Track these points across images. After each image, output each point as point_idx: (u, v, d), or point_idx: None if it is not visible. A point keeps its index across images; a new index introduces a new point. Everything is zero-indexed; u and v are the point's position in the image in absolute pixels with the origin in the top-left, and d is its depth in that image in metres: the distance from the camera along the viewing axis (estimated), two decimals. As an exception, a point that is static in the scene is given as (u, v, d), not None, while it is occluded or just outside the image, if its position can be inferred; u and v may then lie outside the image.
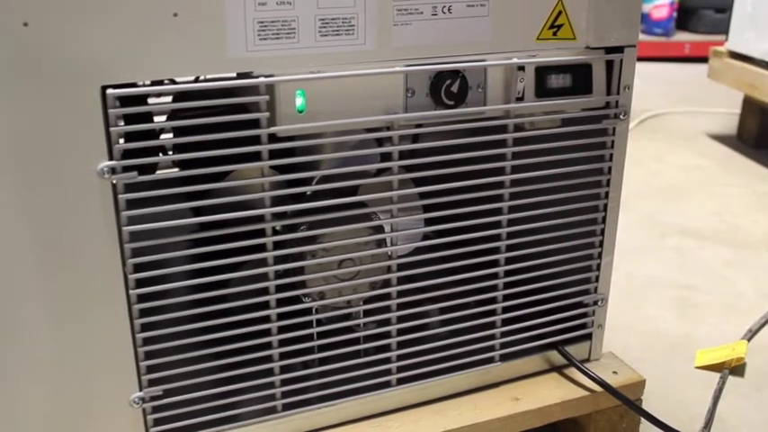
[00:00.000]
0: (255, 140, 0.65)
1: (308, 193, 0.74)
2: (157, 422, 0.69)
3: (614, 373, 0.86)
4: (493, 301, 0.80)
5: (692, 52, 3.21)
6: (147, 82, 0.64)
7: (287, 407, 0.74)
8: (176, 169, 0.82)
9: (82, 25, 0.57)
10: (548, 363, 0.86)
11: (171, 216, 0.64)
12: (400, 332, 0.77)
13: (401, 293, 0.76)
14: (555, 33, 0.74)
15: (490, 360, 0.82)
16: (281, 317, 0.71)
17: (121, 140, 0.62)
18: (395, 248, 0.75)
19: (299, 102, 0.66)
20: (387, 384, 0.78)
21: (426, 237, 0.81)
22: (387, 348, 0.77)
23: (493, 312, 0.80)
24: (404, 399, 0.79)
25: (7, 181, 0.59)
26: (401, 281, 0.75)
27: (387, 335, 0.77)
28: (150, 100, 0.80)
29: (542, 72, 0.74)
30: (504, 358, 0.83)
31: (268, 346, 0.71)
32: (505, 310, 0.81)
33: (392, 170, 0.72)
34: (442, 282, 0.77)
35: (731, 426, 0.95)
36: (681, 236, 1.53)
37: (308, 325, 0.74)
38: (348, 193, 0.72)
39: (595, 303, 0.86)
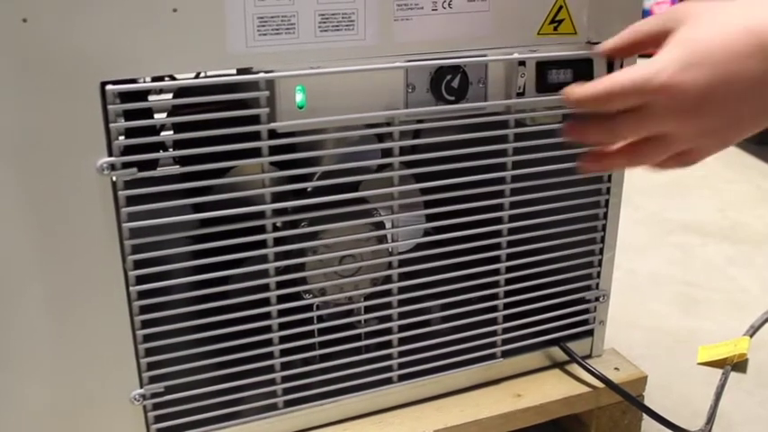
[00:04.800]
0: (255, 136, 0.65)
1: (309, 189, 0.74)
2: (158, 419, 0.69)
3: (616, 369, 0.85)
4: (494, 297, 0.80)
5: (695, 49, 3.20)
6: (147, 78, 0.64)
7: (288, 403, 0.74)
8: (177, 166, 0.81)
9: (81, 21, 0.57)
10: (549, 359, 0.86)
11: (171, 213, 0.64)
12: (402, 328, 0.77)
13: (402, 290, 0.75)
14: (556, 28, 0.73)
15: (492, 356, 0.82)
16: (281, 313, 0.71)
17: (121, 137, 0.62)
18: (396, 244, 0.75)
19: (299, 97, 0.65)
20: (388, 381, 0.78)
21: (427, 233, 0.81)
22: (388, 345, 0.77)
23: (494, 308, 0.80)
24: (405, 395, 0.79)
25: (6, 177, 0.59)
26: (402, 277, 0.75)
27: (388, 331, 0.77)
28: (151, 97, 0.80)
29: (543, 67, 0.74)
30: (505, 354, 0.83)
31: (269, 342, 0.71)
32: (507, 306, 0.81)
33: (393, 166, 0.71)
34: (444, 278, 0.77)
35: (733, 422, 0.95)
36: (683, 232, 1.52)
37: (309, 321, 0.73)
38: (349, 189, 0.72)
39: (597, 299, 0.85)
